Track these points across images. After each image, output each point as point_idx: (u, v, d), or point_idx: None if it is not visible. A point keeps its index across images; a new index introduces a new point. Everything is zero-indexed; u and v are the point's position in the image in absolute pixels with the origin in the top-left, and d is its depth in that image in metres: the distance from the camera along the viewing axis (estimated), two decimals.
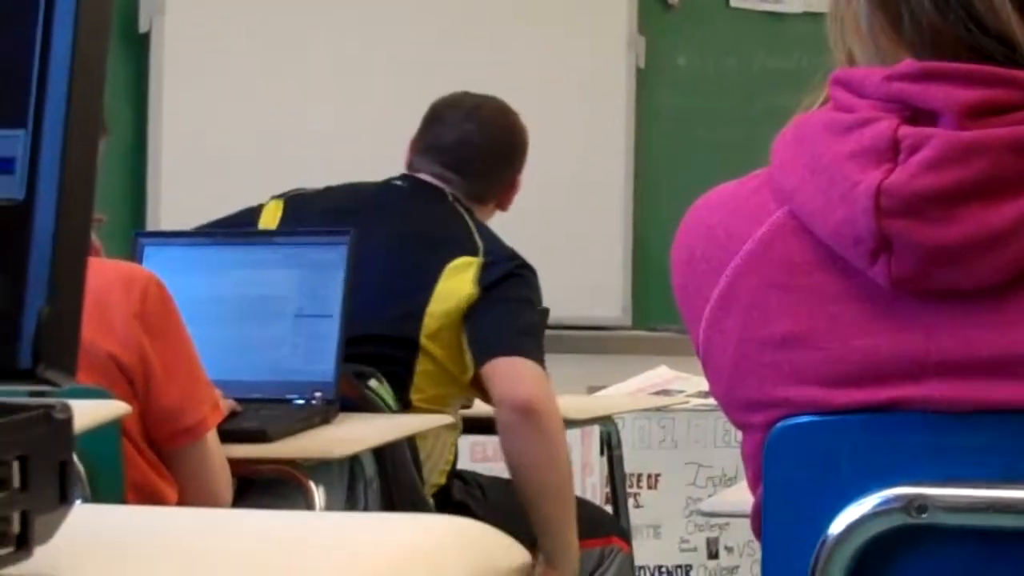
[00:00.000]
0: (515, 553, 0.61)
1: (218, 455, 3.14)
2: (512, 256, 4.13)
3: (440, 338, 3.98)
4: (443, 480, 4.09)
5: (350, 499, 3.57)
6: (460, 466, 4.36)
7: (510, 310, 4.02)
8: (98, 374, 2.90)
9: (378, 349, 3.90)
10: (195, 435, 3.07)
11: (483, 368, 3.94)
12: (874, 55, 1.82)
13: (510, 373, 3.93)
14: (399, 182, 4.35)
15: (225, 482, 3.14)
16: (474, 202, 4.36)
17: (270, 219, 4.09)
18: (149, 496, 2.97)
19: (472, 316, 3.97)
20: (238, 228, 4.08)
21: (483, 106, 4.48)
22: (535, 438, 3.91)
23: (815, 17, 1.95)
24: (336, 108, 6.27)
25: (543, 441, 3.93)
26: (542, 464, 4.00)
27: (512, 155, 4.54)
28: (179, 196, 6.13)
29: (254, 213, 4.13)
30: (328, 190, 4.30)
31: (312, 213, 4.11)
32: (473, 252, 4.02)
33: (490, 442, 5.35)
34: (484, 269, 3.98)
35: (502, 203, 4.52)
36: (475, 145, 4.37)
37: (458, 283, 3.98)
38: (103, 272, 2.98)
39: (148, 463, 3.03)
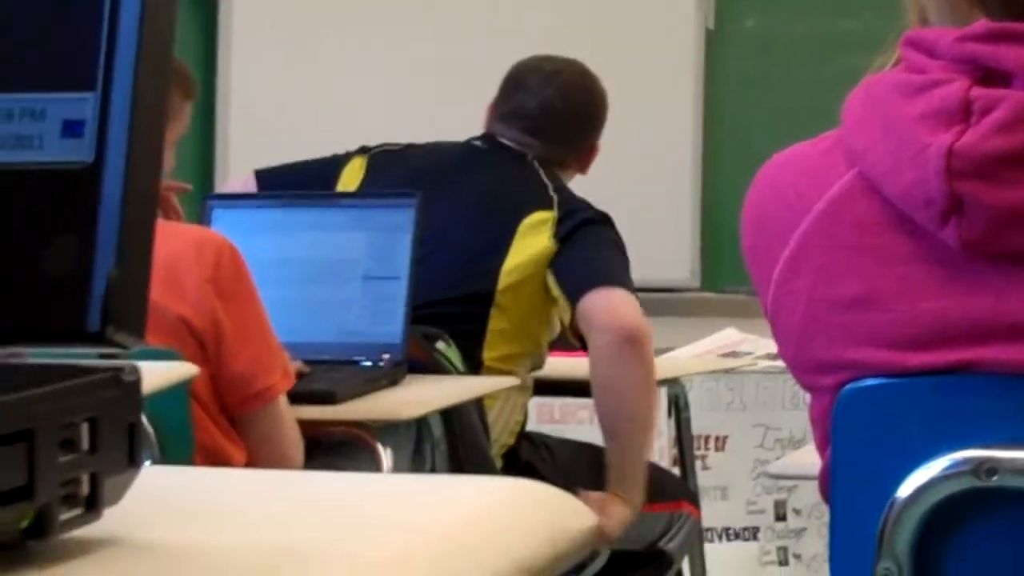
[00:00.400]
0: (583, 515, 0.61)
1: (289, 419, 3.15)
2: (587, 207, 4.12)
3: (518, 293, 3.96)
4: (512, 441, 4.08)
5: (417, 461, 3.58)
6: (531, 427, 4.36)
7: (596, 248, 4.00)
8: (169, 337, 2.92)
9: (452, 309, 3.90)
10: (265, 400, 3.08)
11: (580, 304, 3.91)
12: (948, 15, 1.81)
13: (610, 302, 3.92)
14: (479, 143, 4.34)
15: (296, 445, 3.15)
16: (554, 166, 4.35)
17: (353, 175, 4.08)
18: (217, 460, 2.99)
19: (557, 263, 3.95)
20: (317, 178, 4.09)
21: (564, 71, 4.48)
22: (635, 365, 3.90)
23: None
24: (399, 71, 6.26)
25: (643, 368, 3.94)
26: (638, 391, 4.00)
27: (592, 120, 4.54)
28: (247, 159, 6.13)
29: (338, 163, 4.12)
30: (410, 148, 4.28)
31: (394, 172, 4.10)
32: (548, 207, 4.02)
33: (557, 404, 5.35)
34: (559, 223, 3.97)
35: (583, 167, 4.53)
36: (556, 110, 4.36)
37: (535, 239, 3.96)
38: (176, 236, 2.99)
39: (218, 427, 3.05)
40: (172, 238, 2.99)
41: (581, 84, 4.49)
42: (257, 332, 3.08)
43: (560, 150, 4.35)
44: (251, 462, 3.10)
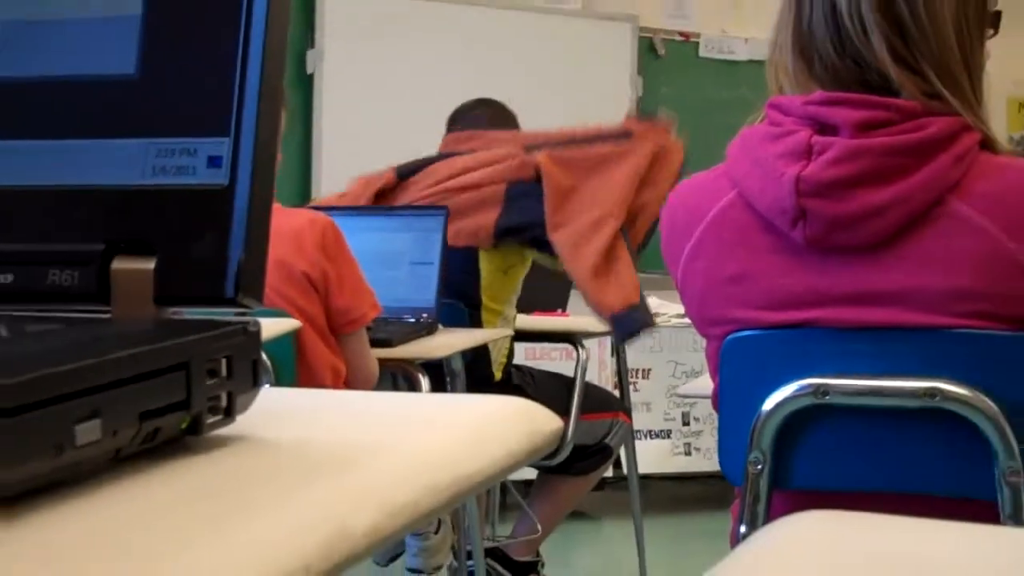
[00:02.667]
0: (553, 421, 0.62)
1: (369, 344, 3.22)
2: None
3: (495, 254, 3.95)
4: (504, 360, 4.06)
5: (443, 385, 3.59)
6: (520, 362, 4.32)
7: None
8: (295, 285, 2.98)
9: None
10: (359, 324, 3.15)
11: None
12: (797, 88, 1.82)
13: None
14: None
15: (373, 360, 3.24)
16: None
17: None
18: (330, 366, 3.06)
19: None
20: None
21: (492, 104, 4.38)
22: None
23: (757, 63, 1.94)
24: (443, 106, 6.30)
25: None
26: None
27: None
28: (334, 190, 6.17)
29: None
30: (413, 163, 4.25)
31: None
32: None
33: (538, 347, 5.36)
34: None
35: None
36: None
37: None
38: (298, 216, 3.08)
39: (329, 346, 3.09)
40: (296, 217, 3.06)
41: (504, 112, 4.32)
42: (352, 279, 3.17)
43: None
44: (348, 370, 3.17)
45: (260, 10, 0.57)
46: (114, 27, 0.59)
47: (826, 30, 1.78)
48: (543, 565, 4.35)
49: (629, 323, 3.78)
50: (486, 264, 3.98)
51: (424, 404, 0.64)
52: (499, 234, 3.91)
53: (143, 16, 0.58)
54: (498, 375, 4.02)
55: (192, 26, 0.58)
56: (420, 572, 3.85)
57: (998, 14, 1.84)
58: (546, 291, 4.69)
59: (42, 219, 0.58)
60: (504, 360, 4.10)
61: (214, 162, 0.56)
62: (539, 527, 4.25)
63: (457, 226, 3.83)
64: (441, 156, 4.15)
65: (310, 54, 6.63)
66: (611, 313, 3.80)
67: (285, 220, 2.91)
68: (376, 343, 3.27)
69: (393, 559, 4.04)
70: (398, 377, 3.55)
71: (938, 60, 1.75)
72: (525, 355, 5.11)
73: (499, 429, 0.57)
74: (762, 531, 0.54)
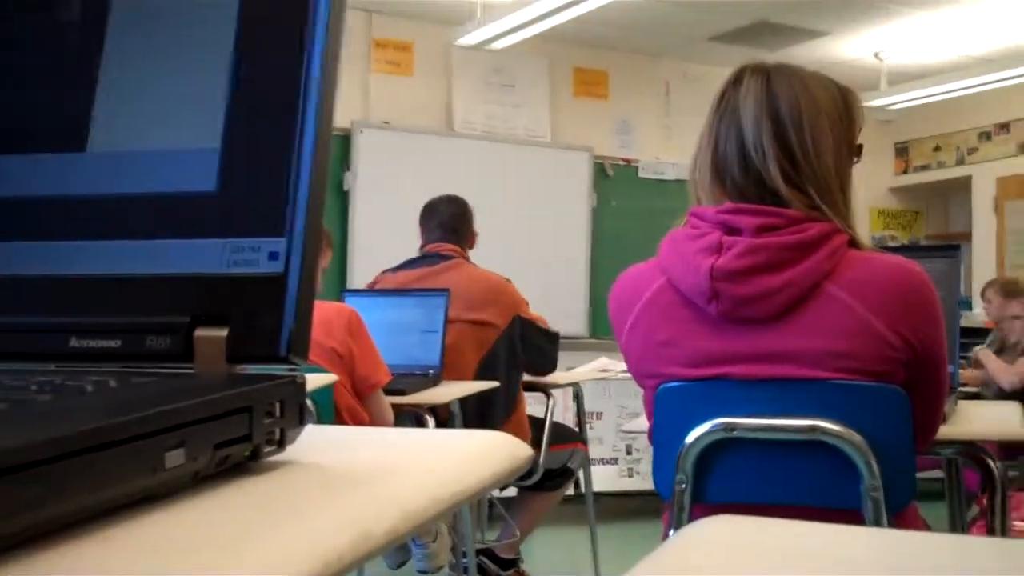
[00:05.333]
0: (528, 450, 0.62)
1: (385, 399, 3.21)
2: None
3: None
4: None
5: (444, 424, 3.57)
6: None
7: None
8: (326, 358, 2.98)
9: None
10: (375, 387, 3.14)
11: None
12: (711, 200, 1.82)
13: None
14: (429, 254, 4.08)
15: (389, 412, 3.23)
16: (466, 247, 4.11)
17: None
18: (357, 417, 3.06)
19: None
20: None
21: (455, 200, 4.17)
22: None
23: (682, 182, 1.96)
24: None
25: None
26: None
27: (471, 221, 4.16)
28: (365, 281, 6.16)
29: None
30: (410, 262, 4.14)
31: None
32: None
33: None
34: None
35: (471, 245, 4.17)
36: (455, 218, 4.08)
37: None
38: (329, 307, 3.12)
39: (355, 401, 3.09)
40: (327, 308, 3.09)
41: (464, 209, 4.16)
42: (371, 354, 3.16)
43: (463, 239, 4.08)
44: (371, 420, 3.14)
45: (309, 143, 0.57)
46: (200, 156, 0.59)
47: (735, 158, 1.79)
48: (523, 561, 4.31)
49: None
50: None
51: (430, 437, 0.64)
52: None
53: (221, 148, 0.59)
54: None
55: (257, 154, 0.58)
56: (427, 572, 3.82)
57: (860, 146, 1.86)
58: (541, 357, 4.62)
59: (143, 298, 0.59)
60: None
61: (273, 256, 0.57)
62: (518, 532, 4.22)
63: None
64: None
65: (347, 175, 6.65)
66: None
67: (319, 310, 2.91)
68: (393, 392, 3.27)
69: (401, 564, 4.01)
70: (410, 418, 3.54)
71: (819, 182, 1.76)
72: None
73: (486, 455, 0.57)
74: (679, 531, 0.55)
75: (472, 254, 4.13)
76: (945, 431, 1.95)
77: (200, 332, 0.56)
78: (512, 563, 4.25)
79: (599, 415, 6.39)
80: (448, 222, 4.06)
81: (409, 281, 3.89)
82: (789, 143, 1.75)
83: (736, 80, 1.82)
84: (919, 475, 1.74)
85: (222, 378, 0.55)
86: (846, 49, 7.36)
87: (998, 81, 7.08)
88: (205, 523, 0.44)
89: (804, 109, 1.76)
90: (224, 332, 0.56)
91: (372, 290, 4.05)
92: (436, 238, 4.03)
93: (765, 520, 0.56)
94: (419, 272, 3.92)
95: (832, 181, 1.77)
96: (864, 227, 8.66)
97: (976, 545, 0.56)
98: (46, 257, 0.60)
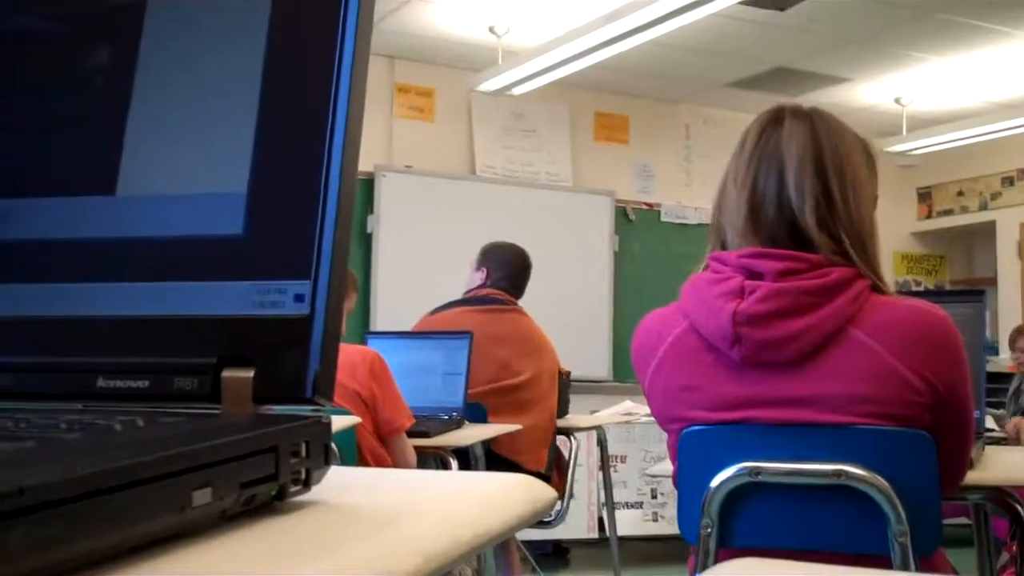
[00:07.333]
0: (549, 491, 0.61)
1: (408, 442, 3.21)
2: None
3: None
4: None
5: (468, 466, 3.57)
6: None
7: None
8: (350, 401, 2.99)
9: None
10: (399, 431, 3.14)
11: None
12: (739, 240, 1.80)
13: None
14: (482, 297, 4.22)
15: (412, 455, 3.24)
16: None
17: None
18: (379, 459, 3.07)
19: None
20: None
21: (511, 248, 4.31)
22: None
23: (705, 226, 1.95)
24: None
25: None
26: None
27: (527, 273, 4.30)
28: (388, 323, 6.16)
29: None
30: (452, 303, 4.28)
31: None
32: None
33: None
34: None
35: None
36: (516, 269, 4.22)
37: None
38: (353, 350, 3.15)
39: (377, 443, 3.09)
40: (350, 351, 3.11)
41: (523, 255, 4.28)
42: (393, 398, 3.17)
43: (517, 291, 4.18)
44: (393, 463, 3.15)
45: (334, 186, 0.58)
46: (227, 199, 0.60)
47: (773, 197, 1.78)
48: None
49: None
50: None
51: (453, 479, 0.64)
52: None
53: (247, 192, 0.60)
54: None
55: (284, 198, 0.59)
56: None
57: (876, 196, 1.87)
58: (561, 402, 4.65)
59: (170, 339, 0.59)
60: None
61: (299, 298, 0.57)
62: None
63: None
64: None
65: (370, 218, 6.69)
66: None
67: (342, 353, 2.92)
68: (417, 434, 3.28)
69: None
70: (435, 459, 3.54)
71: (854, 229, 1.76)
72: None
73: (509, 498, 0.57)
74: (703, 574, 0.55)
75: None
76: (972, 476, 1.93)
77: (227, 373, 0.57)
78: None
79: (623, 459, 6.36)
80: (509, 276, 4.19)
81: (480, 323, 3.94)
82: (830, 188, 1.75)
83: (775, 120, 1.82)
84: (947, 521, 1.73)
85: (249, 418, 0.55)
86: (866, 94, 7.37)
87: (1020, 127, 7.07)
88: (231, 562, 0.44)
89: (844, 155, 1.77)
90: (251, 373, 0.56)
91: (395, 332, 4.07)
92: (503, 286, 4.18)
93: (788, 564, 0.56)
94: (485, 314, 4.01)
95: (865, 228, 1.77)
96: (888, 272, 8.63)
97: None
98: (75, 298, 0.61)
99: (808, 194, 1.75)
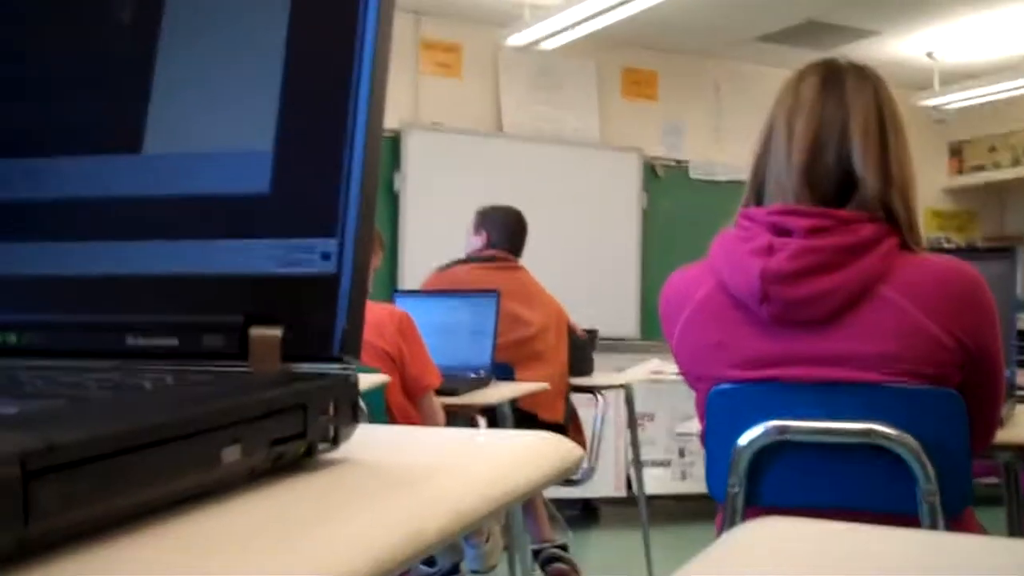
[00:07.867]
0: (576, 450, 0.62)
1: (437, 401, 3.23)
2: None
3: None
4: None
5: (495, 424, 3.59)
6: None
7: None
8: (378, 359, 3.02)
9: None
10: (427, 389, 3.17)
11: None
12: (776, 198, 1.78)
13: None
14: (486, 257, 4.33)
15: (440, 413, 3.27)
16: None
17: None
18: (408, 417, 3.12)
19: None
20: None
21: (509, 210, 4.43)
22: None
23: (734, 183, 1.94)
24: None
25: None
26: None
27: (525, 233, 4.43)
28: (415, 281, 6.18)
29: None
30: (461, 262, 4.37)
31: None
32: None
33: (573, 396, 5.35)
34: None
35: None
36: (512, 230, 4.35)
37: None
38: (381, 308, 3.17)
39: (406, 401, 3.12)
40: (379, 309, 3.14)
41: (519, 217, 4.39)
42: (421, 355, 3.20)
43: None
44: (422, 421, 3.17)
45: (360, 144, 0.58)
46: (253, 158, 0.60)
47: (834, 157, 1.76)
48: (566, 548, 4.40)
49: None
50: None
51: (481, 437, 0.65)
52: None
53: (274, 150, 0.60)
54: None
55: (309, 156, 0.59)
56: (480, 572, 3.85)
57: None
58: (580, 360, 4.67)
59: (198, 298, 0.60)
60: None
61: (326, 257, 0.57)
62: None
63: None
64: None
65: (396, 176, 6.68)
66: None
67: (370, 312, 2.94)
68: (445, 392, 3.30)
69: (455, 565, 4.02)
70: (463, 419, 3.56)
71: (904, 184, 1.75)
72: None
73: (536, 456, 0.57)
74: (728, 533, 0.55)
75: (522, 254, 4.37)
76: (1002, 435, 1.93)
77: (255, 331, 0.57)
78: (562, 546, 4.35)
79: (651, 417, 6.37)
80: (509, 234, 4.31)
81: (479, 278, 4.02)
82: (888, 151, 1.74)
83: (836, 78, 1.78)
84: (976, 480, 1.72)
85: (277, 376, 0.55)
86: (898, 48, 7.28)
87: None
88: (260, 519, 0.45)
89: (897, 113, 1.77)
90: (278, 331, 0.56)
91: (424, 291, 4.09)
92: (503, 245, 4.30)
93: (815, 522, 0.56)
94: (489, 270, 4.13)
95: (911, 183, 1.77)
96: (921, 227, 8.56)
97: None
98: (102, 257, 0.61)
99: (872, 157, 1.73)
